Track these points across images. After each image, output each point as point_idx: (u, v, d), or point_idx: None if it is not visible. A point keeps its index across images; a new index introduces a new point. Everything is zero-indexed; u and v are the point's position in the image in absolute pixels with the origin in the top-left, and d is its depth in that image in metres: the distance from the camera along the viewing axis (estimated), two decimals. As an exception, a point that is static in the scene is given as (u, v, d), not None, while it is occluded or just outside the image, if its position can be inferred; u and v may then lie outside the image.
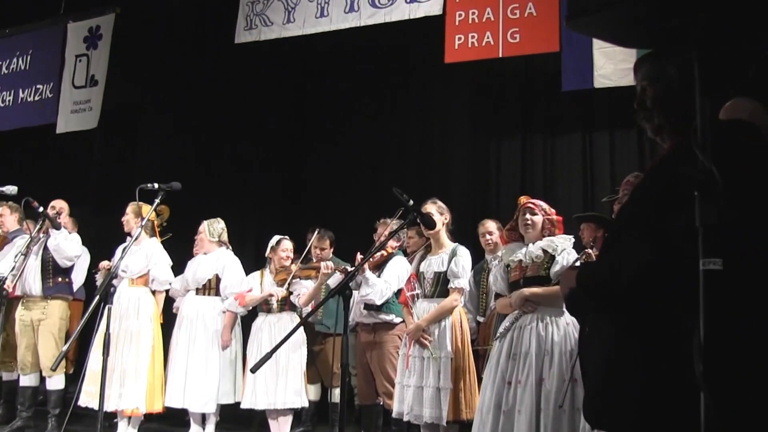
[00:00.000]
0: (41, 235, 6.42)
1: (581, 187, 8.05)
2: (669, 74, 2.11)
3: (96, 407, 5.85)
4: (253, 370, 3.02)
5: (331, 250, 6.69)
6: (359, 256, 5.61)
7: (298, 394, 5.88)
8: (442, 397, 4.79)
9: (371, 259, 5.60)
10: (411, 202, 3.42)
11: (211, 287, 6.33)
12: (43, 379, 6.57)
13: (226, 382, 6.21)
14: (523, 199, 5.68)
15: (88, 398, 5.86)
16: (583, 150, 8.10)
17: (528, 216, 4.65)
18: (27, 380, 6.54)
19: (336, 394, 6.51)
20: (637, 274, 1.91)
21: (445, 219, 5.15)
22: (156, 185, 4.51)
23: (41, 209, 6.13)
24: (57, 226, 6.29)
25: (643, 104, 2.18)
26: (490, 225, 6.14)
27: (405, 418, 4.96)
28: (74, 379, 6.92)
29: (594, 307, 2.12)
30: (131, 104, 9.65)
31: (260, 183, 9.14)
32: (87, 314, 3.59)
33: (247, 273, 6.39)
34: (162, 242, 6.50)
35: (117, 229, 6.44)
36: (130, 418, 6.07)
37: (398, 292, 5.55)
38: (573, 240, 4.71)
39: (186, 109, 9.21)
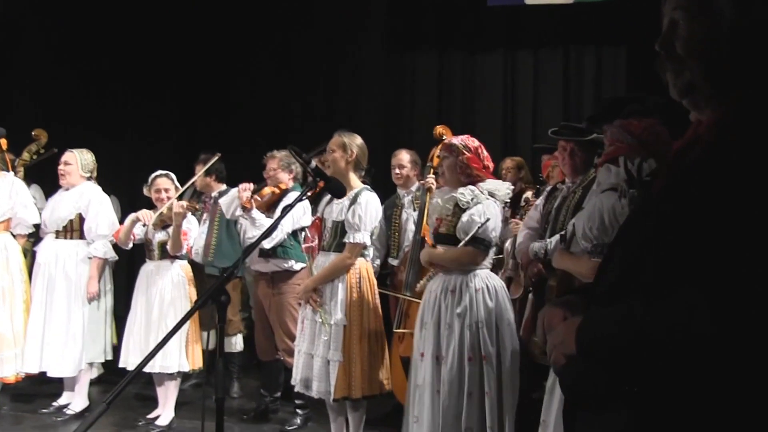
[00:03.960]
0: None
1: (500, 111, 7.53)
2: (719, 6, 1.36)
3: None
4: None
5: (212, 178, 5.88)
6: (243, 195, 4.88)
7: (175, 357, 5.03)
8: (330, 369, 4.09)
9: (259, 198, 5.00)
10: (313, 163, 2.69)
11: (74, 229, 5.38)
12: None
13: (95, 341, 5.40)
14: (439, 129, 5.08)
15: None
16: (505, 71, 7.54)
17: (442, 160, 3.98)
18: None
19: (232, 343, 5.91)
20: (690, 346, 1.23)
21: (350, 156, 4.24)
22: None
23: None
24: None
25: (670, 47, 1.42)
26: (403, 157, 5.48)
27: (296, 388, 4.31)
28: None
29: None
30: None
31: (153, 115, 8.19)
32: None
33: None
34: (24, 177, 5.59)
35: None
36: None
37: (299, 237, 4.93)
38: (510, 188, 4.08)
39: (69, 28, 8.06)
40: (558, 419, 2.94)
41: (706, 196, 1.26)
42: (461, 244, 3.81)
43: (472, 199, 3.83)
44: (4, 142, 5.44)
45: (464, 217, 3.81)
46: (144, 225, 5.08)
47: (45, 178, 6.26)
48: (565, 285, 3.20)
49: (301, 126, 7.77)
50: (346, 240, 4.13)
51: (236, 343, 5.88)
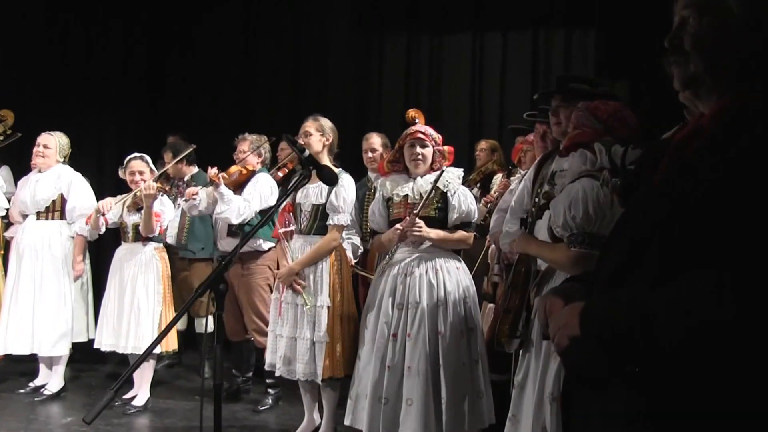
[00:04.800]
0: None
1: (468, 93, 7.56)
2: (727, 5, 1.46)
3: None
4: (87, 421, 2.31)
5: (181, 166, 5.94)
6: (211, 171, 4.94)
7: (148, 338, 5.06)
8: (317, 351, 4.20)
9: (226, 176, 5.04)
10: (307, 152, 2.74)
11: (56, 209, 5.43)
12: None
13: (78, 319, 5.46)
14: (411, 112, 5.14)
15: None
16: (473, 53, 7.57)
17: (418, 149, 4.05)
18: None
19: (203, 324, 5.99)
20: (699, 332, 1.28)
21: (327, 140, 4.38)
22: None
23: None
24: None
25: (677, 44, 1.52)
26: (375, 140, 5.56)
27: (277, 372, 4.37)
28: None
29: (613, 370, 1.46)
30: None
31: (118, 91, 8.07)
32: None
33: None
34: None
35: None
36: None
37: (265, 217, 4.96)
38: (462, 175, 4.20)
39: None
40: (529, 414, 2.95)
41: (718, 182, 1.33)
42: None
43: (449, 183, 4.01)
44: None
45: (456, 201, 3.98)
46: (102, 215, 5.11)
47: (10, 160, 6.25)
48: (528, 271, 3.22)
49: (267, 108, 7.78)
50: (330, 222, 4.23)
51: (205, 323, 5.94)
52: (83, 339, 5.54)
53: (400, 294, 3.94)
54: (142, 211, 5.06)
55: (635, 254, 1.45)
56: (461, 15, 7.55)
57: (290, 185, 2.87)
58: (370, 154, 5.52)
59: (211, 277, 2.42)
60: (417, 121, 5.14)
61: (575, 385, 1.63)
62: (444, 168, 4.08)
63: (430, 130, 4.11)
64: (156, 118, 8.04)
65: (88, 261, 5.63)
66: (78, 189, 5.46)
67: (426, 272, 3.94)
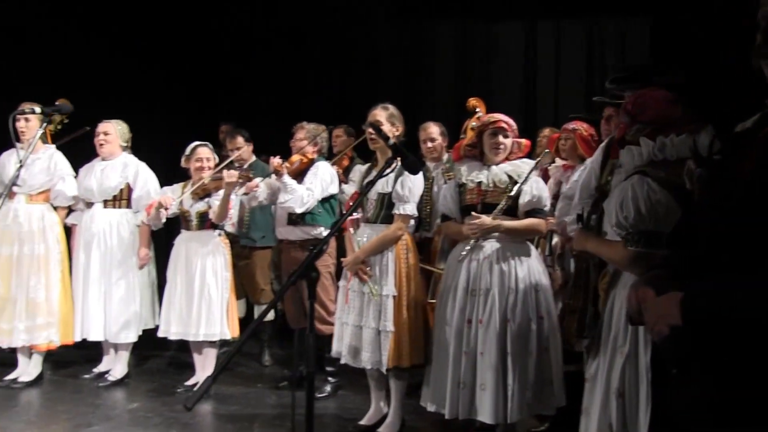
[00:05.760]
0: None
1: (522, 82, 7.52)
2: None
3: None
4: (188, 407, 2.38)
5: (249, 148, 5.99)
6: (275, 160, 4.95)
7: (218, 325, 5.17)
8: (383, 340, 4.20)
9: (288, 164, 5.06)
10: (391, 140, 2.73)
11: (122, 198, 5.51)
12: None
13: (144, 307, 5.55)
14: (472, 101, 5.13)
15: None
16: (526, 41, 7.53)
17: (500, 138, 4.06)
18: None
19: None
20: None
21: (396, 130, 4.36)
22: (37, 109, 3.67)
23: None
24: None
25: None
26: (433, 130, 5.52)
27: (342, 360, 4.40)
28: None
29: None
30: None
31: (169, 81, 8.14)
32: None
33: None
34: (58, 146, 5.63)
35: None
36: (31, 352, 5.41)
37: (326, 203, 5.05)
38: (532, 164, 4.17)
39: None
40: (596, 409, 2.93)
41: None
42: (500, 207, 3.98)
43: (522, 173, 4.03)
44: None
45: (528, 187, 3.99)
46: (165, 209, 5.17)
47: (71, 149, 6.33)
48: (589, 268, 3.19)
49: (317, 98, 7.78)
50: (395, 212, 4.24)
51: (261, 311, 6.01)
52: (149, 326, 5.62)
53: (473, 280, 3.97)
54: (209, 199, 5.13)
55: (723, 243, 1.46)
56: (513, 3, 7.49)
57: (377, 173, 2.88)
58: (429, 144, 5.49)
59: (303, 266, 2.47)
60: (478, 110, 5.14)
61: (670, 373, 1.63)
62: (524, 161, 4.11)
63: (511, 121, 4.11)
64: (205, 107, 8.11)
65: (152, 249, 5.70)
66: (144, 179, 5.54)
67: (497, 259, 3.96)
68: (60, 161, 5.45)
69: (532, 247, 4.13)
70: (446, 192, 4.29)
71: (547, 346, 3.92)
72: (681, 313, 1.49)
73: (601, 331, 3.01)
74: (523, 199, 3.99)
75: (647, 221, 2.59)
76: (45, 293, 5.32)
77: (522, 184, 4.00)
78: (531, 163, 4.11)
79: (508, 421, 3.86)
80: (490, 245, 3.99)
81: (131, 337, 5.47)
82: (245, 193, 5.27)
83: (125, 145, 5.60)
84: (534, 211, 4.02)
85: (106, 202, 5.51)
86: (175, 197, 5.25)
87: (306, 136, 5.31)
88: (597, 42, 7.33)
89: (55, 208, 5.51)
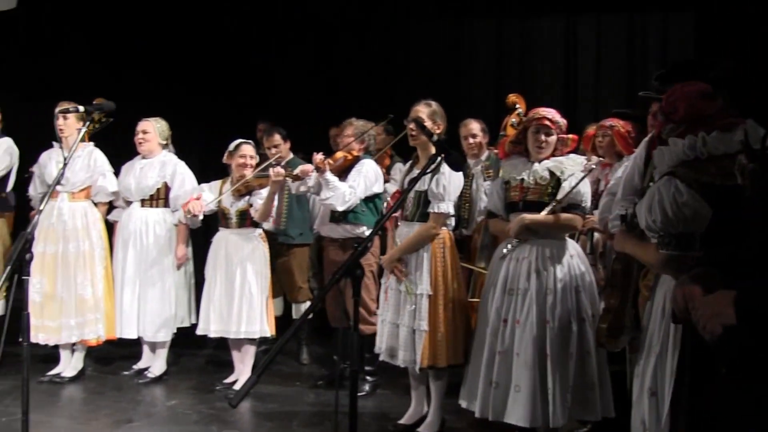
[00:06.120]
0: None
1: (562, 80, 7.42)
2: None
3: (44, 342, 5.32)
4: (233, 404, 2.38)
5: (286, 146, 5.97)
6: (317, 157, 4.90)
7: (258, 322, 5.16)
8: (417, 339, 4.16)
9: (331, 161, 4.99)
10: (435, 137, 2.69)
11: (160, 197, 5.51)
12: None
13: (181, 306, 5.55)
14: (512, 97, 5.07)
15: (34, 332, 5.14)
16: (567, 37, 7.42)
17: (543, 137, 3.98)
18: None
19: (301, 310, 6.09)
20: None
21: (438, 127, 4.28)
22: (81, 107, 3.69)
23: None
24: None
25: None
26: (474, 126, 5.47)
27: (381, 357, 4.38)
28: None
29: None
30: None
31: (205, 79, 8.19)
32: (6, 274, 2.86)
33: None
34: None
35: (47, 123, 5.47)
36: (73, 347, 5.46)
37: (370, 202, 4.99)
38: (585, 161, 4.09)
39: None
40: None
41: None
42: (547, 210, 3.90)
43: (565, 170, 3.96)
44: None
45: (567, 184, 3.91)
46: (194, 216, 5.19)
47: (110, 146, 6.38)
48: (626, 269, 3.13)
49: (355, 95, 7.72)
50: (430, 210, 4.19)
51: (304, 310, 6.00)
52: (186, 324, 5.63)
53: (511, 279, 3.93)
54: (249, 198, 5.14)
55: None
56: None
57: (420, 170, 2.85)
58: (471, 140, 5.43)
59: (348, 263, 2.45)
60: (518, 106, 5.07)
61: (722, 373, 1.59)
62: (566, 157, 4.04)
63: (557, 117, 4.02)
64: (242, 105, 8.12)
65: (190, 248, 5.72)
66: (181, 178, 5.51)
67: (536, 259, 3.90)
68: (99, 158, 5.48)
69: (576, 246, 4.06)
70: (493, 188, 4.25)
71: (589, 349, 3.84)
72: (735, 313, 1.45)
73: (644, 330, 2.97)
74: (559, 196, 3.91)
75: (675, 224, 2.55)
76: (91, 289, 5.36)
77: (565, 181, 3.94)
78: (576, 159, 4.03)
79: (550, 425, 3.80)
80: (530, 245, 3.94)
81: (164, 336, 5.47)
82: (296, 179, 5.18)
83: (164, 143, 5.59)
84: (571, 206, 3.93)
85: (143, 201, 5.52)
86: (213, 195, 5.26)
87: (353, 132, 5.21)
88: (639, 35, 7.18)
89: (96, 204, 5.53)
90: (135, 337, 5.48)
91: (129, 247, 5.44)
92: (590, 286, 3.95)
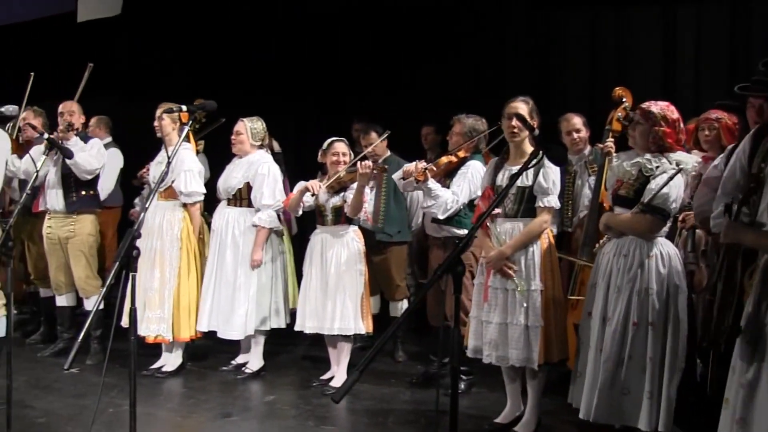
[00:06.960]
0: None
1: (660, 72, 7.15)
2: None
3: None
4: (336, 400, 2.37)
5: (383, 143, 5.93)
6: (418, 166, 4.82)
7: (353, 319, 5.13)
8: (532, 336, 4.07)
9: (434, 168, 4.90)
10: (536, 132, 2.63)
11: (242, 197, 5.53)
12: (81, 298, 6.03)
13: (261, 308, 5.50)
14: (618, 91, 4.94)
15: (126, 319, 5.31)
16: (665, 28, 7.14)
17: (635, 125, 3.90)
18: (63, 300, 6.03)
19: (398, 308, 6.09)
20: None
21: (535, 123, 4.19)
22: (184, 107, 3.76)
23: (45, 135, 5.49)
24: (68, 155, 5.56)
25: None
26: (577, 121, 5.32)
27: (486, 360, 4.26)
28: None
29: None
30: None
31: (300, 76, 8.26)
32: (111, 275, 2.94)
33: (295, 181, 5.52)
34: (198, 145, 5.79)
35: (149, 126, 5.59)
36: (173, 343, 5.58)
37: (472, 205, 4.89)
38: (698, 161, 3.95)
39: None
40: (761, 418, 2.72)
41: None
42: (634, 209, 3.80)
43: (657, 167, 3.78)
44: (184, 115, 5.59)
45: (651, 185, 3.77)
46: (313, 195, 5.18)
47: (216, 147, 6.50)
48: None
49: (447, 91, 7.60)
50: (539, 204, 4.13)
51: (402, 308, 6.00)
52: (266, 327, 5.57)
53: (606, 276, 3.90)
54: (344, 194, 5.14)
55: None
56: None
57: (521, 166, 2.78)
58: (574, 135, 5.28)
59: (449, 260, 2.42)
60: (624, 99, 4.93)
61: None
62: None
63: (657, 110, 3.83)
64: (337, 105, 8.15)
65: (287, 244, 5.73)
66: (262, 179, 5.45)
67: (615, 257, 3.86)
68: (185, 157, 5.44)
69: (665, 247, 3.85)
70: (608, 183, 4.21)
71: (652, 356, 3.75)
72: None
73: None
74: (645, 196, 3.78)
75: None
76: (159, 287, 5.44)
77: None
78: (682, 157, 3.85)
79: (659, 429, 3.71)
80: (613, 242, 3.90)
81: (238, 335, 5.48)
82: (402, 178, 5.08)
83: (258, 143, 5.59)
84: (653, 209, 3.77)
85: (229, 201, 5.58)
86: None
87: (462, 130, 5.10)
88: (741, 26, 6.84)
89: (185, 205, 5.56)
90: (205, 330, 5.52)
91: (218, 244, 5.52)
92: (676, 288, 3.79)
